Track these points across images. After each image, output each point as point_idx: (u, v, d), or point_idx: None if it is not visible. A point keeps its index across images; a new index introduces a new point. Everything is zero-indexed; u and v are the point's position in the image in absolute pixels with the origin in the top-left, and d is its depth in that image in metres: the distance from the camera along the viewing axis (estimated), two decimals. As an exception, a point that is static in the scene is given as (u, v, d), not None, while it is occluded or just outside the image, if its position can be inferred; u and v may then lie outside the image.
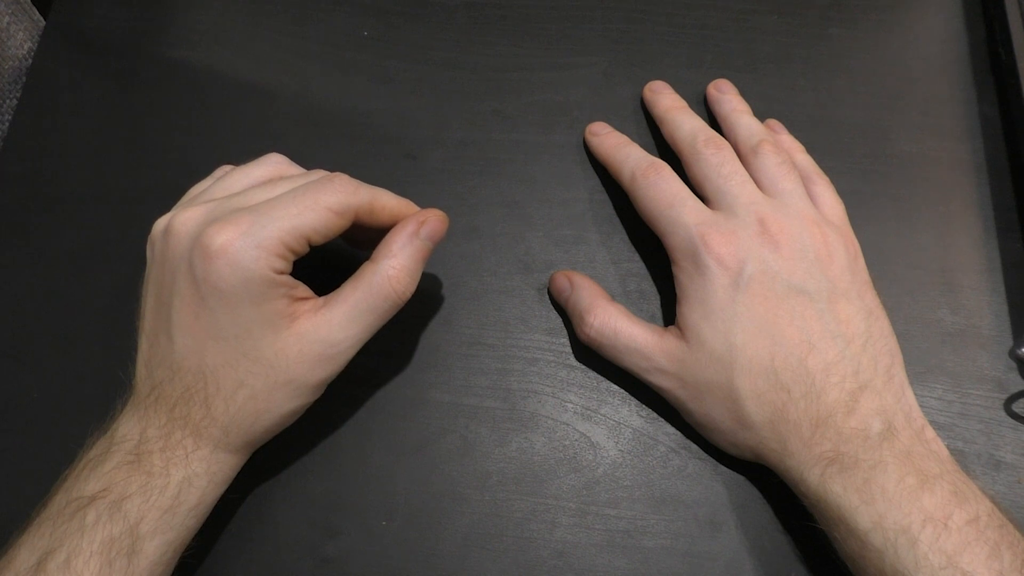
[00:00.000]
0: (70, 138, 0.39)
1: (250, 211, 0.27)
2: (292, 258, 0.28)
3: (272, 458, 0.33)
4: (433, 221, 0.30)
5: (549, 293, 0.36)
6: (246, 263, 0.26)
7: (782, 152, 0.34)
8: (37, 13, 0.44)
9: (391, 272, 0.29)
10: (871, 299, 0.31)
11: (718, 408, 0.30)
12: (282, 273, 0.27)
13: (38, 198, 0.38)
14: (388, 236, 0.30)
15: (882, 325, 0.31)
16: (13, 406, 0.34)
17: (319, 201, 0.27)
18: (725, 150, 0.33)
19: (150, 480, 0.27)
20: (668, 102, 0.37)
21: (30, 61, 0.42)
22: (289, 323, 0.28)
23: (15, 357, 0.35)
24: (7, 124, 0.41)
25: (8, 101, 0.42)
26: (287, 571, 0.32)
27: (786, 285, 0.30)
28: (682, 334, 0.31)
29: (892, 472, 0.27)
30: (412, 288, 0.29)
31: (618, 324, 0.32)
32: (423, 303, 0.36)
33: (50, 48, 0.42)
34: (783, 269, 0.30)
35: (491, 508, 0.33)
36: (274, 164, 0.31)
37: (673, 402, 0.32)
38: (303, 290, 0.29)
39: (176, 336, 0.28)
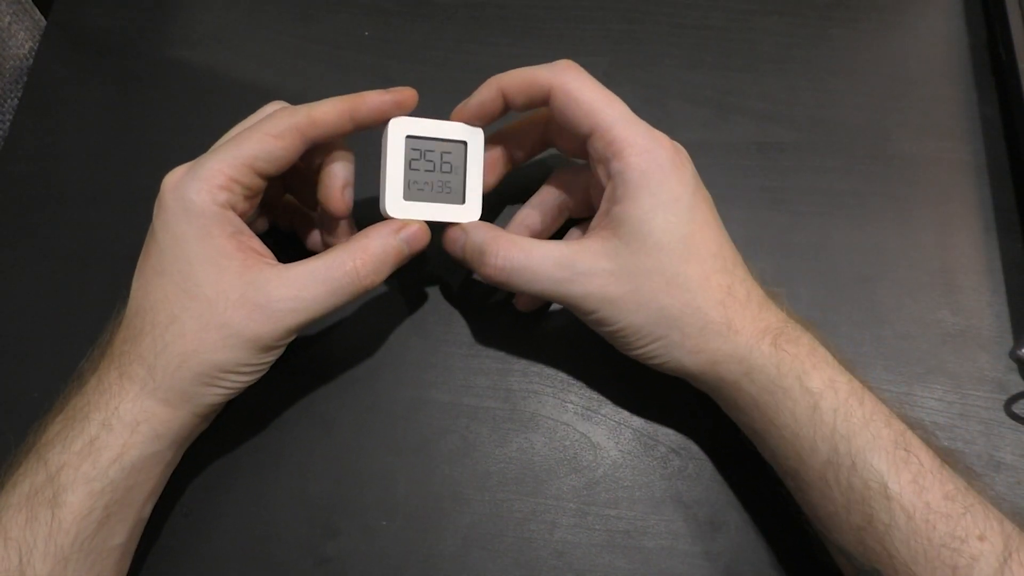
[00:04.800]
0: (70, 138, 0.39)
1: (204, 154, 0.29)
2: (240, 191, 0.28)
3: (272, 458, 0.33)
4: (414, 228, 0.30)
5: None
6: (189, 195, 0.27)
7: None
8: (38, 13, 0.44)
9: (357, 252, 0.29)
10: None
11: (658, 297, 0.29)
12: (228, 208, 0.28)
13: (38, 198, 0.38)
14: (369, 227, 0.30)
15: None
16: (13, 406, 0.34)
17: (257, 129, 0.28)
18: None
19: (70, 423, 0.27)
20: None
21: (31, 61, 0.42)
22: (238, 267, 0.28)
23: (15, 357, 0.35)
24: (8, 124, 0.41)
25: (9, 101, 0.43)
26: (287, 571, 0.32)
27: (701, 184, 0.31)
28: (616, 230, 0.29)
29: (825, 346, 0.30)
30: (374, 278, 0.29)
31: (526, 244, 0.30)
32: (423, 302, 0.36)
33: (51, 48, 0.42)
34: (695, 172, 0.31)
35: (491, 508, 0.33)
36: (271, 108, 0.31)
37: (594, 307, 0.29)
38: (259, 244, 0.29)
39: (134, 282, 0.29)
